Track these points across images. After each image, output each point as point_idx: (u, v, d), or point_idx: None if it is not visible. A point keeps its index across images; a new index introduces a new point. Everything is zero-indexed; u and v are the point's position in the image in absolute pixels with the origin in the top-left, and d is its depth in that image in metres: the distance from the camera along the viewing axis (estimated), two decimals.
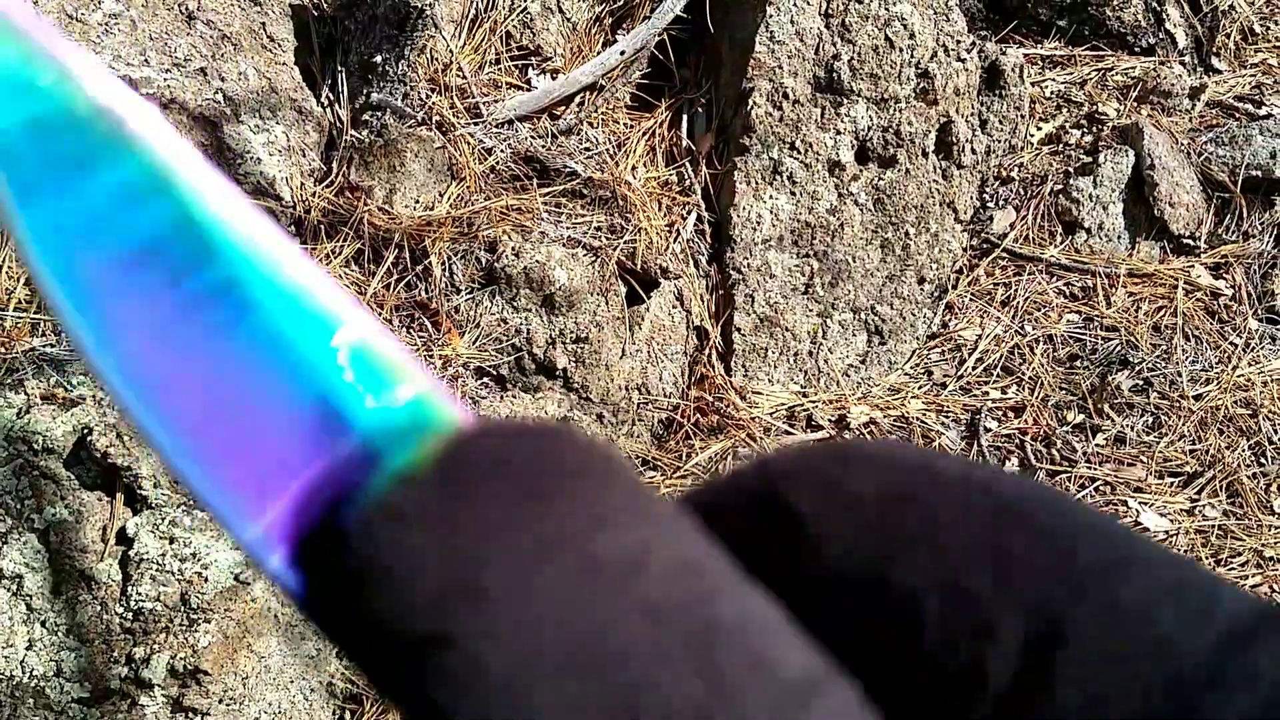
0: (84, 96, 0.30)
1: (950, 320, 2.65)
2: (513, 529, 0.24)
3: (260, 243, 0.29)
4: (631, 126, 2.57)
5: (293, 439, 0.27)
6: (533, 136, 2.44)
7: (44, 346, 1.78)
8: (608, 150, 2.50)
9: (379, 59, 2.23)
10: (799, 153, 2.47)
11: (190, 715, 1.68)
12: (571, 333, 2.21)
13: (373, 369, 0.28)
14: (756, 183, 2.47)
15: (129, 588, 1.70)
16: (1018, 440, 2.45)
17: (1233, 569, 2.26)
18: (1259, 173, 2.75)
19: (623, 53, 2.54)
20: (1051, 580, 0.25)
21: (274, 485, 0.27)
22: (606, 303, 2.26)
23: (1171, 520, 2.32)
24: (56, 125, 0.30)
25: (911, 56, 2.47)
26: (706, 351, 2.46)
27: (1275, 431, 2.46)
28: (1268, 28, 3.13)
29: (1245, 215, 2.76)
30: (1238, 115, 2.92)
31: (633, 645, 0.22)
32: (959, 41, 2.52)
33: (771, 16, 2.45)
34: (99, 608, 1.69)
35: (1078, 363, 2.57)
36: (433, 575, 0.23)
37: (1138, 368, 2.52)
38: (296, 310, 0.28)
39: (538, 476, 0.25)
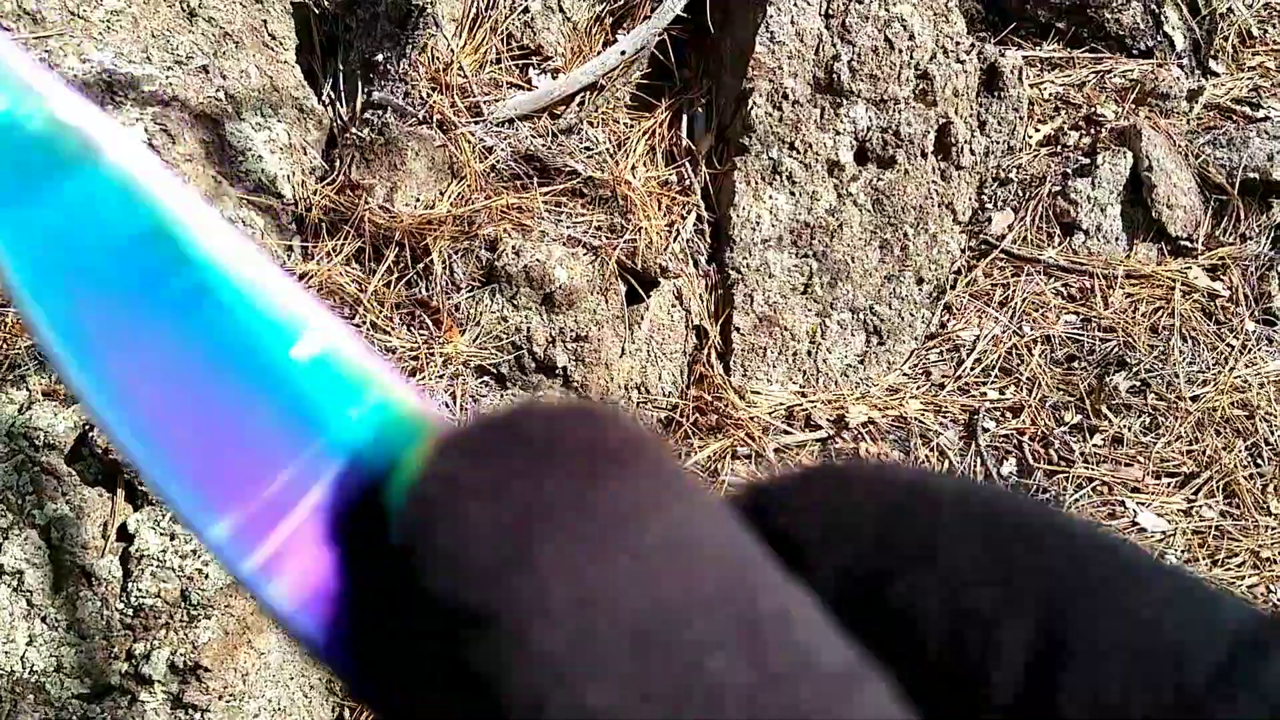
0: (46, 111, 0.29)
1: (948, 321, 2.66)
2: (564, 507, 0.23)
3: (229, 250, 0.29)
4: (632, 126, 2.57)
5: (261, 442, 0.27)
6: (533, 136, 2.44)
7: None
8: (608, 150, 2.50)
9: (380, 57, 2.24)
10: (798, 153, 2.48)
11: (190, 711, 1.68)
12: (571, 331, 2.22)
13: (341, 373, 0.28)
14: (756, 183, 2.48)
15: (129, 584, 1.70)
16: (1015, 440, 2.46)
17: (1229, 569, 2.27)
18: (1256, 175, 2.76)
19: (623, 52, 2.55)
20: (1053, 594, 0.25)
21: (243, 488, 0.27)
22: (606, 302, 2.27)
23: (1168, 521, 2.33)
24: (20, 139, 0.30)
25: (911, 58, 2.48)
26: (705, 351, 2.46)
27: (1272, 433, 2.47)
28: (1265, 31, 3.15)
29: (1243, 217, 2.77)
30: (1235, 118, 2.93)
31: (684, 630, 0.22)
32: (958, 43, 2.53)
33: (771, 17, 2.45)
34: (99, 604, 1.70)
35: (1075, 363, 2.57)
36: (484, 547, 0.23)
37: (1135, 369, 2.53)
38: (265, 315, 0.28)
39: (587, 456, 0.25)
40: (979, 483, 0.29)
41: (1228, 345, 2.61)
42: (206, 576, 1.72)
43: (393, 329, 2.14)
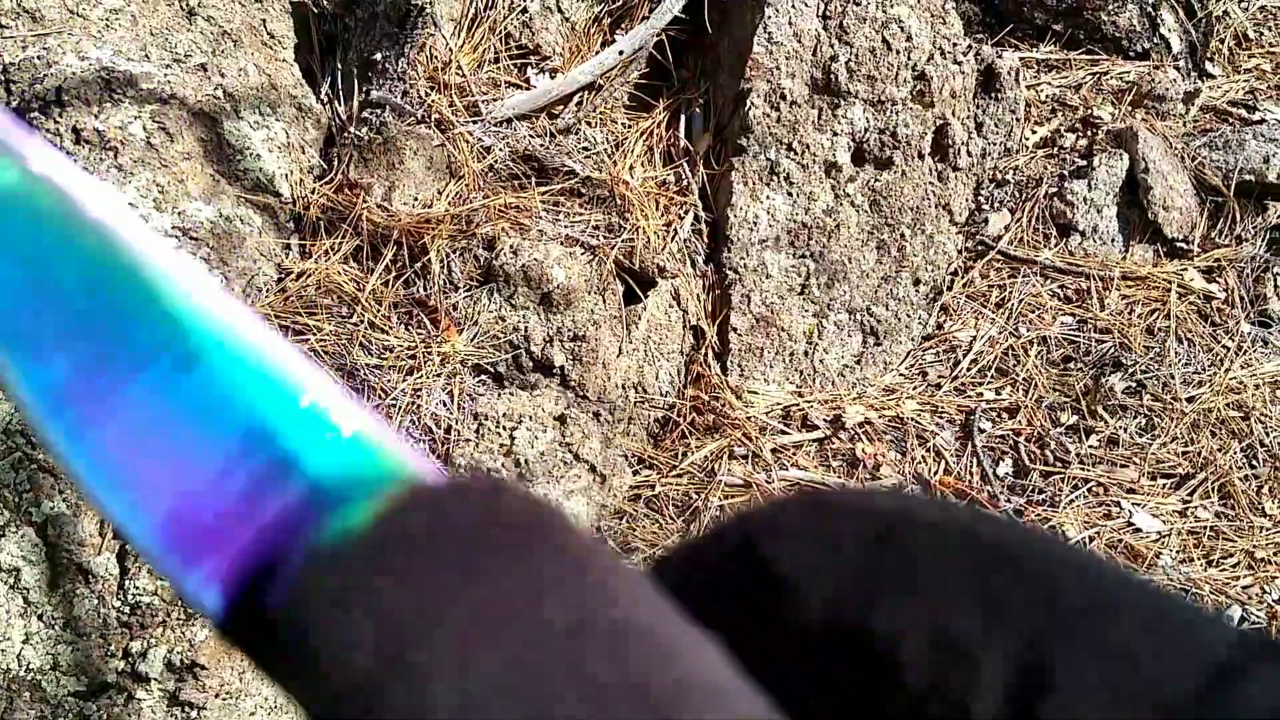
0: (20, 168, 0.29)
1: (945, 321, 2.66)
2: (450, 602, 0.23)
3: (214, 307, 0.28)
4: (630, 126, 2.58)
5: (235, 494, 0.26)
6: (531, 135, 2.45)
7: None
8: (606, 149, 2.51)
9: (379, 57, 2.24)
10: (796, 154, 2.48)
11: (186, 709, 1.68)
12: (569, 331, 2.22)
13: (324, 428, 0.27)
14: (753, 183, 2.48)
15: (126, 582, 1.70)
16: (1012, 441, 2.46)
17: (1224, 570, 2.28)
18: (1252, 177, 2.77)
19: (621, 53, 2.55)
20: (1036, 622, 0.25)
21: (214, 538, 0.26)
22: (604, 301, 2.27)
23: (1164, 521, 2.34)
24: (8, 204, 0.29)
25: (908, 59, 2.49)
26: (703, 351, 2.46)
27: (1267, 434, 2.48)
28: (1261, 34, 3.15)
29: (1238, 219, 2.77)
30: (1231, 120, 2.94)
31: (563, 713, 0.22)
32: (955, 44, 2.54)
33: (769, 18, 2.46)
34: (96, 601, 1.70)
35: (1071, 364, 2.58)
36: (364, 655, 0.22)
37: (1131, 370, 2.54)
38: (251, 371, 0.28)
39: (478, 542, 0.24)
40: (959, 507, 0.29)
41: (1223, 347, 2.62)
42: None
43: (390, 328, 2.14)
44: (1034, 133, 2.87)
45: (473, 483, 0.26)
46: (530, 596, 0.23)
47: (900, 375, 2.59)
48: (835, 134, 2.49)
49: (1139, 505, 2.36)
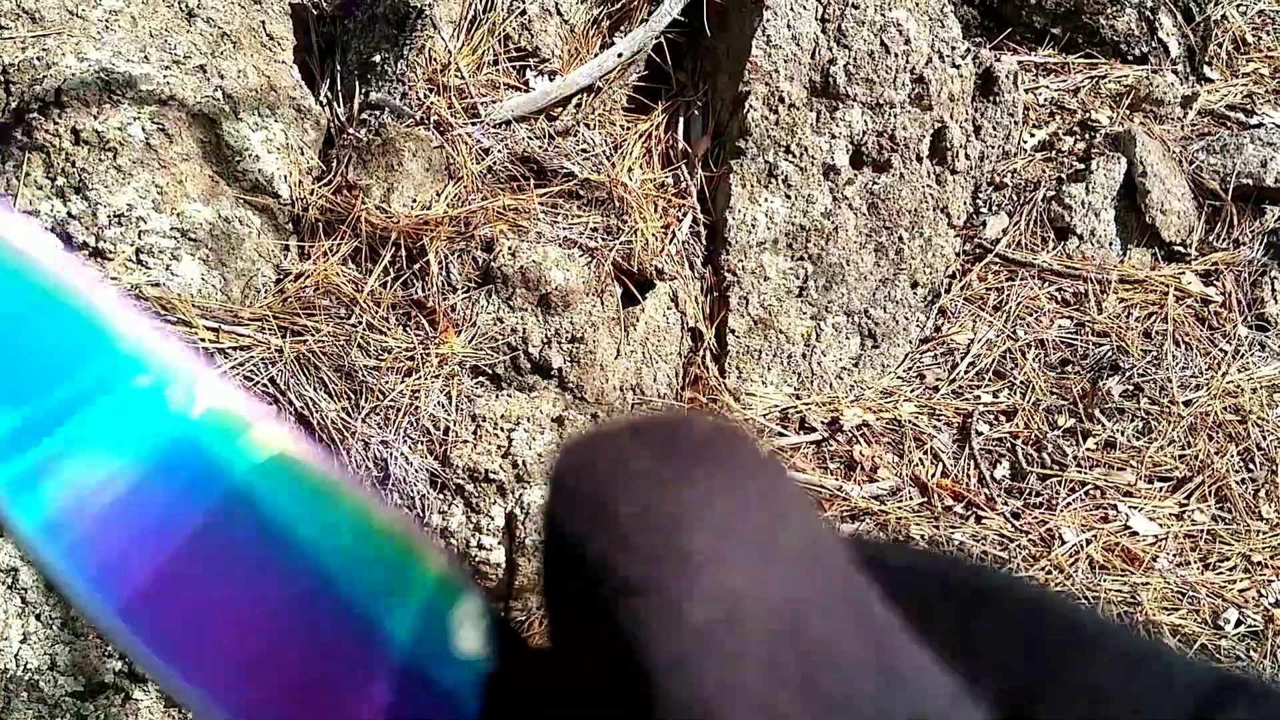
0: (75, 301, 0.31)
1: (943, 324, 2.66)
2: (716, 505, 0.25)
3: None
4: (628, 128, 2.58)
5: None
6: (530, 137, 2.45)
7: None
8: (604, 152, 2.51)
9: (378, 58, 2.24)
10: (794, 156, 2.49)
11: (183, 710, 1.68)
12: (567, 333, 2.22)
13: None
14: (752, 186, 2.48)
15: None
16: (1009, 444, 2.46)
17: (1221, 573, 2.28)
18: (1250, 181, 2.77)
19: (620, 55, 2.55)
20: (1019, 665, 0.26)
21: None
22: (602, 303, 2.27)
23: (1161, 525, 2.34)
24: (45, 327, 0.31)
25: (907, 62, 2.49)
26: (701, 353, 2.47)
27: (1264, 438, 2.48)
28: (1259, 38, 3.16)
29: (1236, 223, 2.78)
30: (1229, 124, 2.95)
31: (816, 621, 0.24)
32: (954, 48, 2.54)
33: (768, 21, 2.46)
34: None
35: (1069, 368, 2.58)
36: (648, 528, 0.25)
37: (1128, 373, 2.54)
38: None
39: (734, 464, 0.27)
40: (935, 553, 0.31)
41: (1220, 350, 2.62)
42: None
43: (388, 329, 2.14)
44: (1032, 136, 2.88)
45: (721, 422, 0.29)
46: (773, 516, 0.26)
47: (898, 378, 2.59)
48: (834, 137, 2.49)
49: (1136, 508, 2.36)
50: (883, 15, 2.48)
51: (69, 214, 1.92)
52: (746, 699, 0.23)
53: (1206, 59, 3.10)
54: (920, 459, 2.42)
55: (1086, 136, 2.86)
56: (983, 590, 0.28)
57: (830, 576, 0.25)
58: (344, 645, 0.30)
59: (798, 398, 2.50)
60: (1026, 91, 2.87)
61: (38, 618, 1.69)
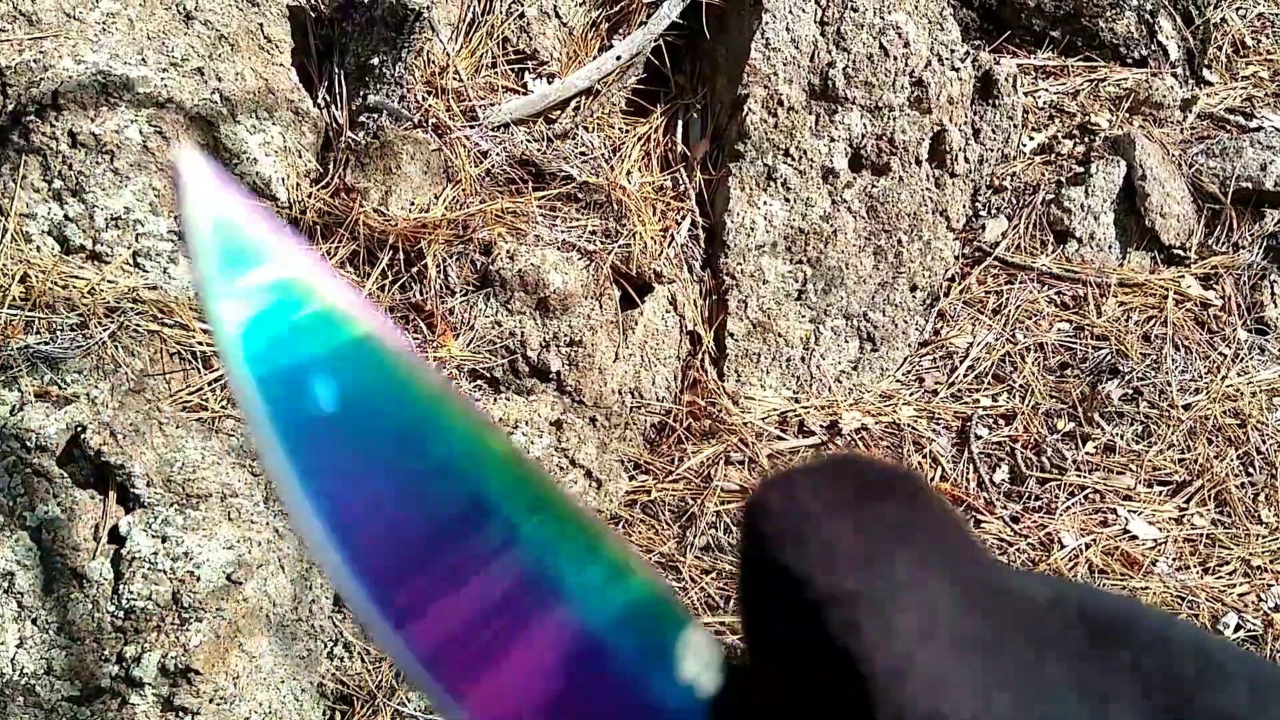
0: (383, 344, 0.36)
1: (942, 328, 2.66)
2: (906, 530, 0.28)
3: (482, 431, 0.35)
4: (627, 131, 2.57)
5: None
6: (528, 140, 2.44)
7: (38, 344, 1.78)
8: (603, 155, 2.51)
9: (376, 61, 2.24)
10: (793, 159, 2.48)
11: (181, 714, 1.68)
12: (565, 336, 2.22)
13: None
14: (751, 189, 2.48)
15: (120, 586, 1.69)
16: (1008, 448, 2.46)
17: (1220, 578, 2.28)
18: (1249, 184, 2.77)
19: (619, 58, 2.55)
20: (1152, 694, 0.27)
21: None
22: (600, 306, 2.27)
23: (1160, 529, 2.34)
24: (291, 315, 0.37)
25: (906, 65, 2.49)
26: (699, 356, 2.46)
27: (1263, 442, 2.47)
28: (1259, 41, 3.16)
29: (1235, 226, 2.77)
30: (1229, 127, 2.94)
31: (1008, 638, 0.26)
32: (953, 51, 2.54)
33: (767, 24, 2.46)
34: (90, 606, 1.69)
35: (1068, 371, 2.58)
36: (853, 546, 0.27)
37: (1128, 377, 2.54)
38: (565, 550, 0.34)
39: (913, 497, 0.30)
40: (1068, 582, 0.33)
41: (1220, 354, 2.62)
42: (198, 579, 1.71)
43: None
44: (1031, 139, 2.87)
45: (901, 470, 0.32)
46: (956, 557, 0.29)
47: (897, 381, 2.59)
48: (833, 140, 2.49)
49: (1135, 512, 2.36)
50: (882, 18, 2.48)
51: (66, 217, 1.91)
52: (963, 703, 0.25)
53: (1206, 62, 3.10)
54: (919, 463, 2.41)
55: (1086, 140, 2.86)
56: (1109, 619, 0.29)
57: (1003, 597, 0.28)
58: (585, 667, 0.33)
59: (796, 401, 2.50)
60: (1026, 95, 2.86)
61: (34, 622, 1.69)
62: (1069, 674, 0.27)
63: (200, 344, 1.90)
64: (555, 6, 2.55)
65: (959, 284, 2.70)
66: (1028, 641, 0.27)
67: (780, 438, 2.42)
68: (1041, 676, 0.26)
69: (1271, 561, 2.31)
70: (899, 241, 2.55)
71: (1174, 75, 3.04)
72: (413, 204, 2.26)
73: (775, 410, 2.47)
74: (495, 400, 2.17)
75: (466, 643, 0.32)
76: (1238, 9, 3.15)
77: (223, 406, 1.86)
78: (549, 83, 2.52)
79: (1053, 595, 0.30)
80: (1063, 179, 2.78)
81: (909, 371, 2.61)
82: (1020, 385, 2.55)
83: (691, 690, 0.32)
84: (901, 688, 0.25)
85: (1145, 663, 0.28)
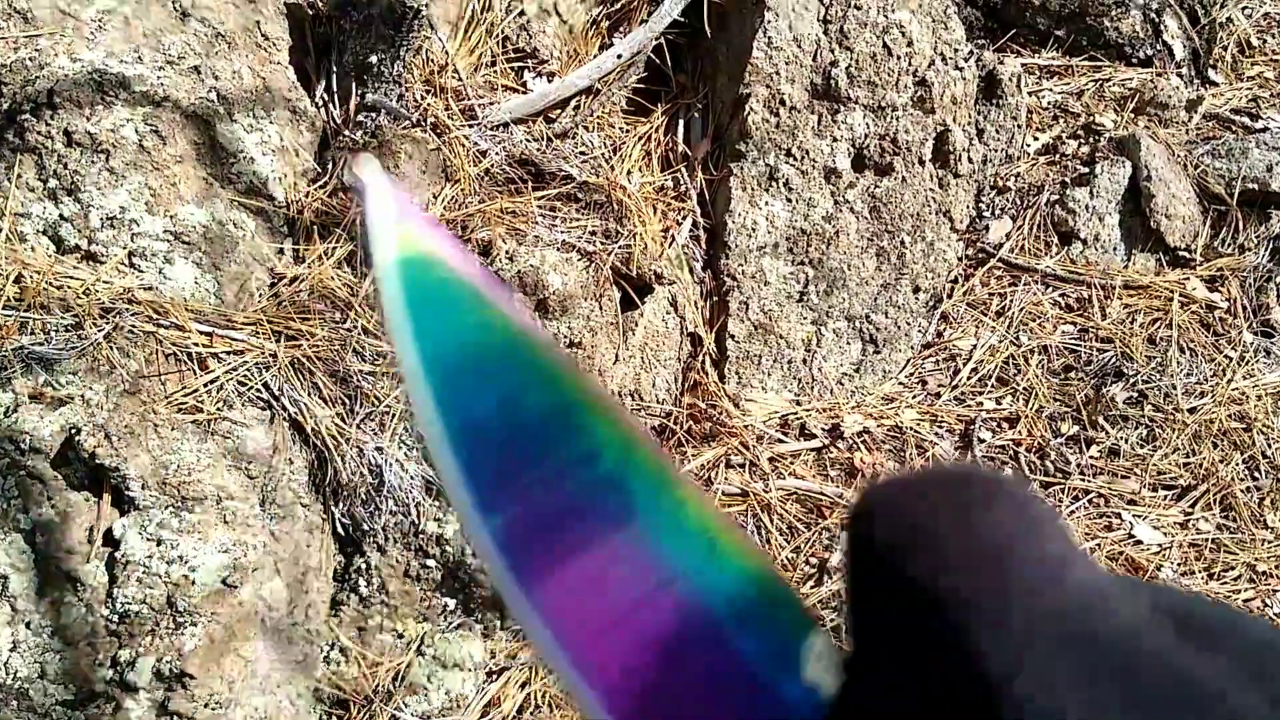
0: (512, 328, 0.37)
1: (945, 330, 2.64)
2: (1014, 538, 0.30)
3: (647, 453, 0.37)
4: (627, 131, 2.56)
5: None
6: (528, 139, 2.43)
7: (32, 344, 1.76)
8: (603, 154, 2.49)
9: (374, 59, 2.22)
10: (795, 159, 2.46)
11: (175, 719, 1.66)
12: (565, 337, 2.20)
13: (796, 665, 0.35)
14: (752, 189, 2.46)
15: (115, 590, 1.68)
16: (1012, 451, 2.44)
17: (1226, 583, 2.26)
18: (1255, 185, 2.75)
19: (619, 56, 2.53)
20: (1249, 695, 0.28)
21: None
22: (600, 308, 2.25)
23: (1165, 533, 2.32)
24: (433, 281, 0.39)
25: (909, 64, 2.47)
26: (700, 358, 2.44)
27: (1269, 445, 2.46)
28: (1265, 41, 3.14)
29: (1241, 228, 2.75)
30: (1234, 128, 2.92)
31: (1122, 643, 0.28)
32: (957, 50, 2.52)
33: (769, 22, 2.44)
34: (84, 609, 1.68)
35: (1072, 374, 2.56)
36: (964, 550, 0.29)
37: (1132, 380, 2.52)
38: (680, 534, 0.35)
39: (1020, 506, 0.31)
40: (1172, 589, 0.36)
41: (1225, 357, 2.60)
42: (193, 583, 1.70)
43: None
44: (1036, 139, 2.86)
45: (1013, 482, 0.34)
46: (1059, 563, 0.30)
47: (899, 384, 2.57)
48: (835, 140, 2.47)
49: (1140, 517, 2.34)
50: (885, 17, 2.46)
51: (61, 216, 1.89)
52: (1082, 702, 0.26)
53: (1211, 62, 3.08)
54: (921, 466, 2.39)
55: (1090, 140, 2.84)
56: (1205, 621, 0.31)
57: (1105, 600, 0.29)
58: (711, 664, 0.34)
59: (798, 404, 2.48)
60: (1030, 94, 2.84)
61: (27, 625, 1.67)
62: (1170, 674, 0.28)
63: (196, 345, 1.89)
64: (555, 4, 2.53)
65: (962, 285, 2.68)
66: (1129, 643, 0.28)
67: (781, 440, 2.40)
68: (1139, 676, 0.27)
69: (1277, 566, 2.29)
70: (902, 242, 2.53)
71: (1179, 75, 3.02)
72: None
73: (776, 413, 2.45)
74: None
75: (597, 624, 0.34)
76: (1244, 8, 3.12)
77: (218, 409, 1.85)
78: (549, 81, 2.50)
79: (1151, 600, 0.31)
80: (1067, 180, 2.76)
81: (911, 374, 2.59)
82: (1024, 388, 2.53)
83: (815, 693, 0.34)
84: (1010, 688, 0.26)
85: (1248, 663, 0.29)
